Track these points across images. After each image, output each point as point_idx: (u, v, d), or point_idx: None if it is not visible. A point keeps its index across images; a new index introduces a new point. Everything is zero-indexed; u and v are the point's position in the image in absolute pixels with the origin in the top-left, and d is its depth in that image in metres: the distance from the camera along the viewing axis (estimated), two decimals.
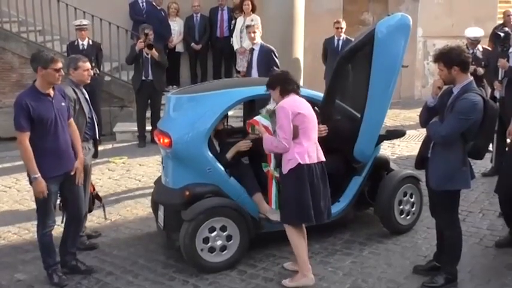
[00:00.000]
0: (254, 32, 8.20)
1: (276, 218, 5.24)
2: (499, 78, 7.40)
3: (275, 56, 8.10)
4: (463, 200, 5.98)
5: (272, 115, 5.00)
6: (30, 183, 4.86)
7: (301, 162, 4.72)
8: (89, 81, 5.62)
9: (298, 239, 4.89)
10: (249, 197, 5.41)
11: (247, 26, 8.71)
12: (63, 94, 5.07)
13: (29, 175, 4.86)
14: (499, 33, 7.50)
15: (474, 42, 8.30)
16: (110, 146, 9.78)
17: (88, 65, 5.55)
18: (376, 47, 5.31)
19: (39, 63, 4.82)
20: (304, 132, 4.76)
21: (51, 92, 4.89)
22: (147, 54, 9.35)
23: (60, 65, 4.87)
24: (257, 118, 5.14)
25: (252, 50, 8.34)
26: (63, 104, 4.97)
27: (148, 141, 9.68)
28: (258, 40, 8.24)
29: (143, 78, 9.50)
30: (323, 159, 4.88)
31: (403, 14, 5.61)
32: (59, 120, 4.87)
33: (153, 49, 9.33)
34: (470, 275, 5.08)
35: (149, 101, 9.76)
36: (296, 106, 4.77)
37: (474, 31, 8.45)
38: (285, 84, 4.86)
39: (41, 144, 4.80)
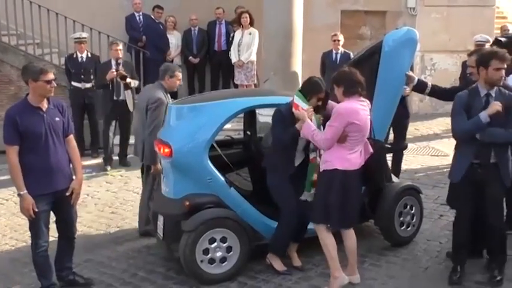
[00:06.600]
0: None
1: None
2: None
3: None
4: None
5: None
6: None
7: (337, 168, 4.72)
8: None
9: (326, 239, 4.92)
10: (249, 208, 5.37)
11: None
12: (62, 109, 4.80)
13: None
14: (500, 39, 7.48)
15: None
16: None
17: (180, 75, 6.15)
18: (383, 59, 5.38)
19: (29, 75, 4.58)
20: (352, 140, 4.74)
21: (44, 106, 4.64)
22: (124, 84, 8.78)
23: (51, 76, 4.59)
24: (296, 101, 4.98)
25: None
26: (57, 119, 4.70)
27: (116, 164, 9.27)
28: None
29: (114, 98, 8.88)
30: (360, 164, 4.86)
31: (410, 28, 5.64)
32: (49, 136, 4.62)
33: (127, 79, 8.70)
34: None
35: (117, 122, 9.15)
36: (353, 115, 4.68)
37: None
38: (349, 86, 4.75)
39: (29, 159, 4.57)
